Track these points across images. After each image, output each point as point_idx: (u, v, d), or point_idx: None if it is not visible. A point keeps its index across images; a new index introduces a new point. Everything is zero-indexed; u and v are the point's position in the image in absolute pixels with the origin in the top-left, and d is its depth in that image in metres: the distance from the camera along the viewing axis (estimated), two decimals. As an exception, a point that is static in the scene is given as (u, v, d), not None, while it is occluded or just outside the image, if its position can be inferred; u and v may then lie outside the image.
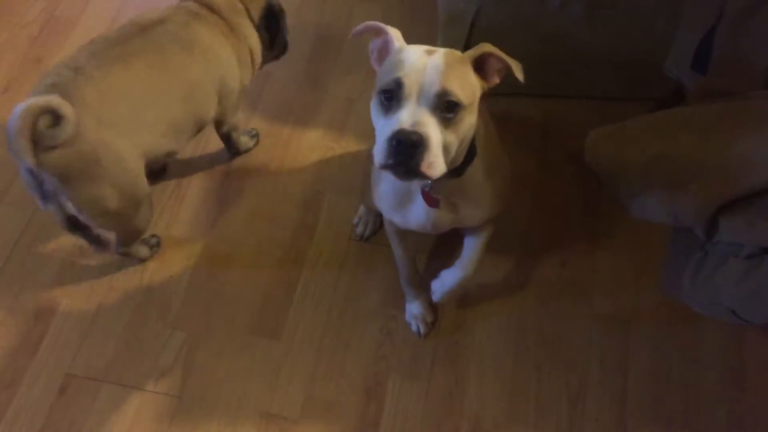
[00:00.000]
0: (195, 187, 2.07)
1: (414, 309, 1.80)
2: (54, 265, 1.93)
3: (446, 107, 1.13)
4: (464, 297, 1.88)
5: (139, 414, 1.71)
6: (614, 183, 1.52)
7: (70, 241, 1.96)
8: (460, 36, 2.06)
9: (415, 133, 1.09)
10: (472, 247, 1.58)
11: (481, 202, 1.43)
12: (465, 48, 2.07)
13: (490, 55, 1.21)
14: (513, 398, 1.74)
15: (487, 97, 1.28)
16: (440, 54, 1.16)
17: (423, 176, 1.13)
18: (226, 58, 1.78)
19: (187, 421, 1.70)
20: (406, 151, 1.09)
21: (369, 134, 2.17)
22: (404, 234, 1.65)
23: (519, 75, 1.22)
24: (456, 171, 1.28)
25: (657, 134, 1.44)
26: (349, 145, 2.15)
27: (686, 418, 1.71)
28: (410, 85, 1.12)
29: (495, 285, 1.90)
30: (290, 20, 2.44)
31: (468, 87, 1.18)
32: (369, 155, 1.48)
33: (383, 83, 1.16)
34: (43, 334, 1.82)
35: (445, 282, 1.62)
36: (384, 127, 1.15)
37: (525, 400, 1.74)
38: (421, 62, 1.14)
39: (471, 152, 1.29)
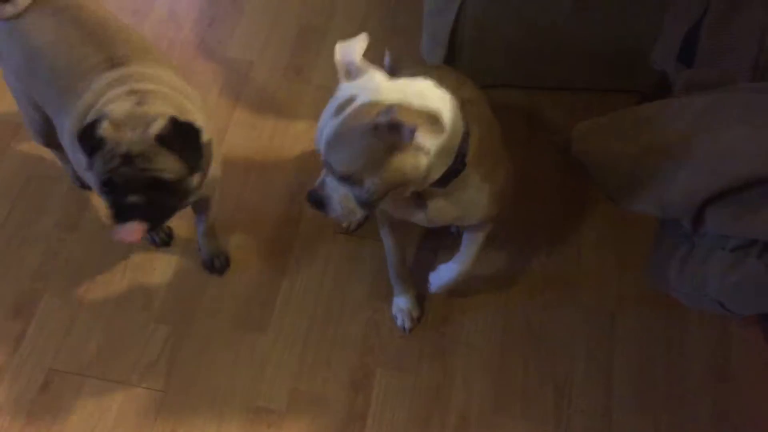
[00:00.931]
0: (178, 179, 2.04)
1: (401, 303, 1.80)
2: (35, 258, 1.90)
3: (340, 178, 1.21)
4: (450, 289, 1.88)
5: (124, 409, 1.69)
6: (603, 175, 1.51)
7: (51, 232, 1.93)
8: (446, 26, 2.05)
9: (313, 197, 1.27)
10: (470, 244, 1.59)
11: (478, 205, 1.43)
12: (450, 40, 2.08)
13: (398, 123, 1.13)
14: (500, 390, 1.74)
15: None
16: (339, 120, 1.17)
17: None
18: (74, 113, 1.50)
19: (172, 416, 1.68)
20: (316, 206, 1.28)
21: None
22: (396, 225, 1.64)
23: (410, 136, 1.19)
24: (439, 183, 1.29)
25: (645, 126, 1.44)
26: (334, 136, 2.13)
27: (671, 408, 1.72)
28: (318, 149, 1.22)
29: (481, 277, 1.90)
30: (273, 8, 2.42)
31: (362, 155, 1.17)
32: None
33: None
34: (25, 328, 1.79)
35: (442, 276, 1.65)
36: None
37: (512, 392, 1.74)
38: (320, 127, 1.21)
39: (457, 166, 1.28)
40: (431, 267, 1.71)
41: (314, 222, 1.97)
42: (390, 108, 1.14)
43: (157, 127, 1.34)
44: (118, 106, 1.38)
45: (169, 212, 1.46)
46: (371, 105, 1.17)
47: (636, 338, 1.81)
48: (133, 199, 1.36)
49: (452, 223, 1.51)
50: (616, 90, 2.20)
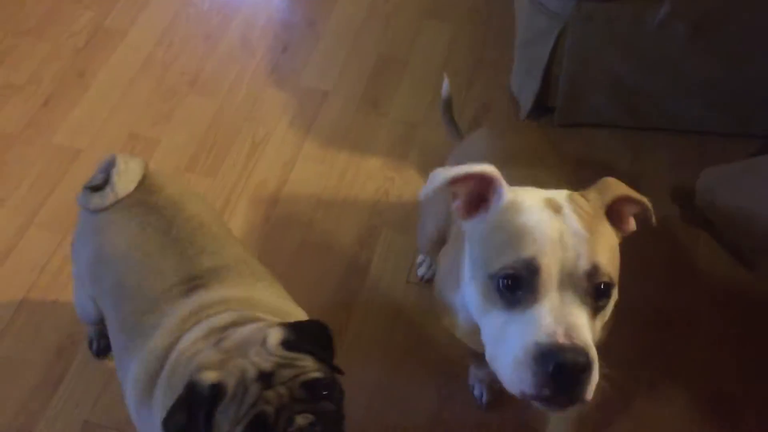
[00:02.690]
0: (240, 215, 1.87)
1: (480, 371, 1.55)
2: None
3: (599, 291, 0.83)
4: None
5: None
6: (733, 233, 1.26)
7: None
8: (541, 56, 1.83)
9: (581, 352, 0.77)
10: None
11: None
12: (545, 73, 1.86)
13: (626, 198, 0.92)
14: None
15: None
16: (571, 210, 0.86)
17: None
18: None
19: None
20: (572, 378, 0.78)
21: (434, 164, 1.95)
22: None
23: (653, 219, 0.95)
24: None
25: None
26: (410, 176, 1.93)
27: None
28: (549, 269, 0.81)
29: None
30: (349, 40, 2.25)
31: (614, 252, 0.88)
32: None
33: (502, 264, 0.83)
34: (64, 373, 1.63)
35: None
36: (509, 327, 0.84)
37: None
38: (555, 229, 0.83)
39: None
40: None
41: (384, 270, 1.77)
42: (605, 186, 0.92)
43: (276, 336, 1.02)
44: (204, 356, 1.04)
45: (339, 420, 1.05)
46: (577, 194, 0.92)
47: None
48: (301, 420, 0.98)
49: None
50: (733, 134, 1.92)
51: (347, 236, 1.83)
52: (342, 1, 2.34)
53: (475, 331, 0.98)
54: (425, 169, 1.94)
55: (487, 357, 0.88)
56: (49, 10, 2.32)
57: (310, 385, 1.00)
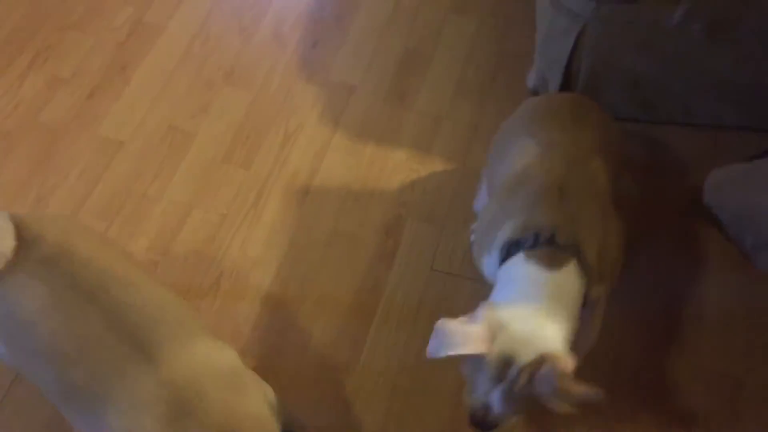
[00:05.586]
0: (273, 205, 1.98)
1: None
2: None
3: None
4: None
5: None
6: (739, 231, 1.34)
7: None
8: (562, 55, 1.91)
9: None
10: (592, 315, 1.41)
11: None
12: (566, 69, 1.94)
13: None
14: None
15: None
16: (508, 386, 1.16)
17: None
18: None
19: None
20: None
21: (457, 156, 2.06)
22: None
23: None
24: None
25: (795, 180, 1.27)
26: (435, 167, 2.02)
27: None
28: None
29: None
30: (376, 34, 2.34)
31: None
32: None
33: None
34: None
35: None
36: None
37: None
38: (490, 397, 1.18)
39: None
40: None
41: (410, 258, 1.87)
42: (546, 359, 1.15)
43: None
44: None
45: None
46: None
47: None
48: None
49: None
50: (748, 129, 1.99)
51: (374, 225, 1.93)
52: (369, -3, 2.43)
53: None
54: (449, 160, 2.04)
55: None
56: (90, 6, 2.43)
57: None
